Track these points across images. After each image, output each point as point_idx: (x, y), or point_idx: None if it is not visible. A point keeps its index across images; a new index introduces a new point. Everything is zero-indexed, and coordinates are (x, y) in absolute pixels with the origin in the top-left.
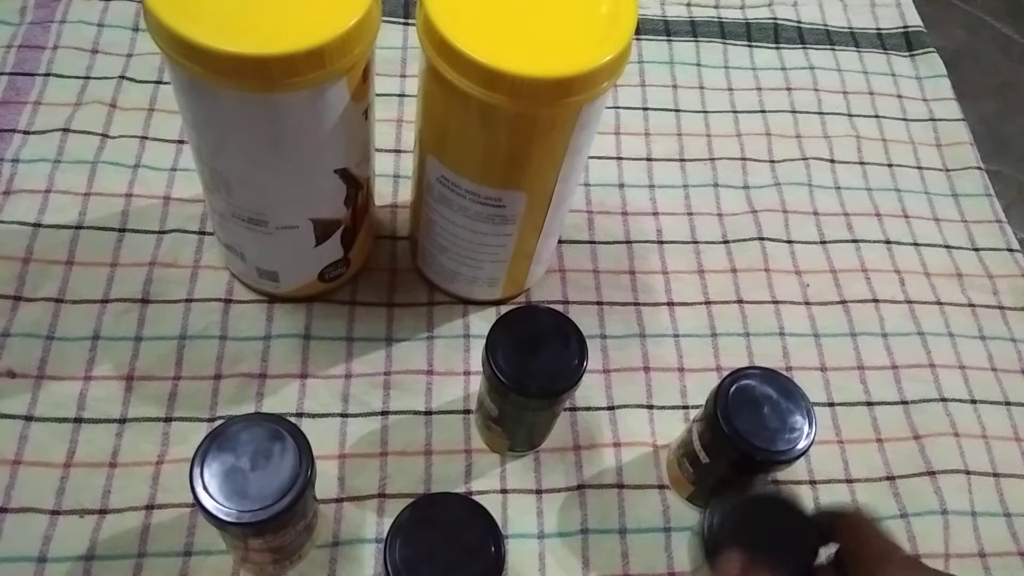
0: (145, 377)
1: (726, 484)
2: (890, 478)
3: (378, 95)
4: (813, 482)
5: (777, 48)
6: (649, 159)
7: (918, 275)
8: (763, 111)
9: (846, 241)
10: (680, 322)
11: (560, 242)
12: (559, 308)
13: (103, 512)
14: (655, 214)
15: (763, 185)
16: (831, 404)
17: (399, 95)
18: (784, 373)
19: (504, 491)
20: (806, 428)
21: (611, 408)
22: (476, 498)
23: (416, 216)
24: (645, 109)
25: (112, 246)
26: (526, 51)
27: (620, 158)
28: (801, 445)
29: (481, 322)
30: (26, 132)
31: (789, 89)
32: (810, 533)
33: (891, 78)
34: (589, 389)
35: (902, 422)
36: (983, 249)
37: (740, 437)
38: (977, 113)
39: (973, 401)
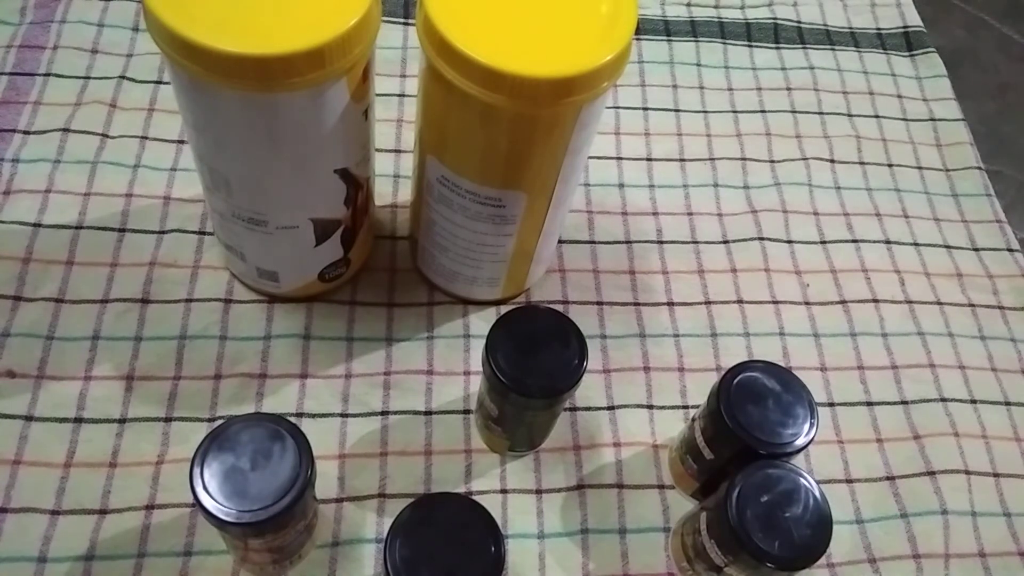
0: (145, 377)
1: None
2: (890, 478)
3: (378, 95)
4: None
5: (777, 48)
6: (649, 159)
7: (918, 275)
8: (763, 111)
9: (846, 241)
10: (680, 322)
11: (560, 242)
12: (559, 308)
13: (103, 512)
14: (655, 214)
15: (763, 185)
16: (831, 404)
17: (399, 95)
18: None
19: (504, 491)
20: (808, 420)
21: (611, 408)
22: (476, 498)
23: (416, 216)
24: (645, 109)
25: (112, 246)
26: (526, 51)
27: (620, 158)
28: (804, 438)
29: (481, 322)
30: (26, 132)
31: (789, 89)
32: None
33: (891, 78)
34: (589, 389)
35: (902, 422)
36: (983, 249)
37: (743, 430)
38: (977, 113)
39: (973, 401)
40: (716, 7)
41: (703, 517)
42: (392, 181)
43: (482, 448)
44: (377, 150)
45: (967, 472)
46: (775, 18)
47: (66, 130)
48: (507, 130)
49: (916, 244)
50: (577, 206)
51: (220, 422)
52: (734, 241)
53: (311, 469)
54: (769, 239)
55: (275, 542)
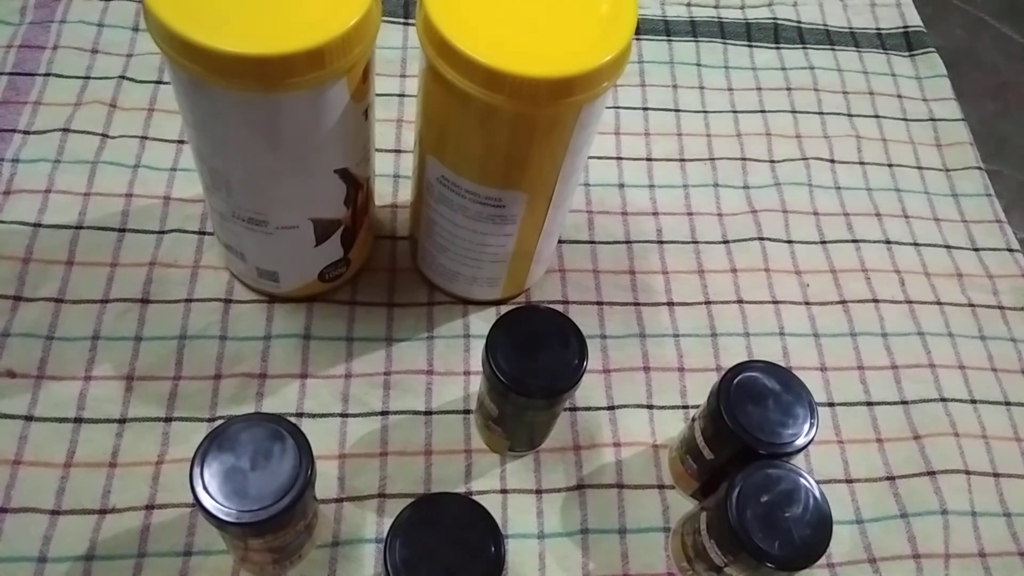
0: (145, 377)
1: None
2: (890, 478)
3: (378, 95)
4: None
5: (777, 48)
6: (649, 159)
7: (918, 275)
8: (763, 111)
9: (846, 241)
10: (680, 322)
11: (560, 242)
12: (559, 308)
13: (103, 512)
14: (655, 214)
15: (763, 185)
16: (831, 404)
17: (399, 95)
18: None
19: (504, 491)
20: (808, 420)
21: (611, 408)
22: (476, 498)
23: (416, 216)
24: (645, 109)
25: (112, 246)
26: (526, 51)
27: (620, 158)
28: (804, 438)
29: (481, 322)
30: (26, 132)
31: (789, 89)
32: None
33: (891, 78)
34: (589, 389)
35: (902, 422)
36: (983, 249)
37: (743, 430)
38: (977, 113)
39: (973, 401)
40: (716, 7)
41: (703, 517)
42: (392, 181)
43: (482, 448)
44: (377, 150)
45: (967, 472)
46: (775, 18)
47: (66, 130)
48: (507, 130)
49: (916, 244)
50: (577, 206)
51: (220, 422)
52: (734, 241)
53: (311, 469)
54: (769, 239)
55: (275, 542)
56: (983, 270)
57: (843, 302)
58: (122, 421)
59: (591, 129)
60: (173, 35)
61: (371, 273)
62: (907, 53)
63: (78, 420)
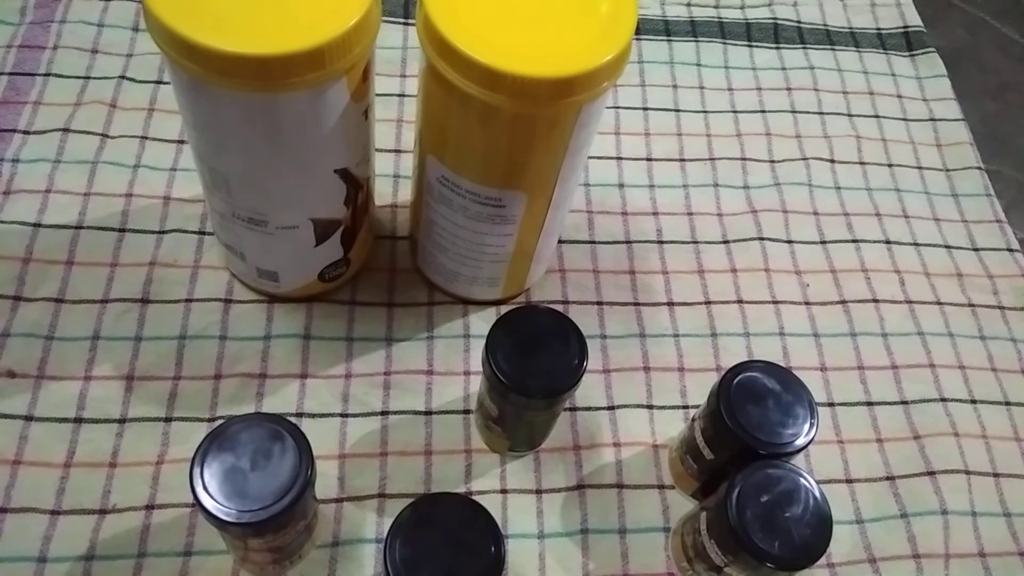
0: (145, 377)
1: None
2: (890, 478)
3: (378, 95)
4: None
5: (777, 48)
6: (649, 159)
7: (918, 275)
8: (763, 111)
9: (846, 241)
10: (680, 322)
11: (560, 242)
12: (559, 308)
13: (103, 512)
14: (655, 214)
15: (763, 185)
16: (831, 404)
17: (399, 95)
18: None
19: (504, 491)
20: (808, 420)
21: (611, 408)
22: (476, 498)
23: (416, 216)
24: (645, 109)
25: (112, 246)
26: (526, 51)
27: (620, 158)
28: (804, 438)
29: (481, 322)
30: (26, 132)
31: (789, 89)
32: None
33: (891, 78)
34: (589, 389)
35: (902, 422)
36: (983, 249)
37: (743, 430)
38: (977, 113)
39: (973, 401)
40: (716, 7)
41: (703, 517)
42: (392, 181)
43: (482, 448)
44: (377, 150)
45: (967, 472)
46: (775, 18)
47: (66, 130)
48: (507, 130)
49: (916, 244)
50: (577, 206)
51: (220, 422)
52: (734, 241)
53: (311, 469)
54: (769, 239)
55: (275, 542)
56: (983, 270)
57: (843, 302)
58: (122, 421)
59: (591, 129)
60: (173, 35)
61: (371, 273)
62: (907, 53)
63: (78, 420)
